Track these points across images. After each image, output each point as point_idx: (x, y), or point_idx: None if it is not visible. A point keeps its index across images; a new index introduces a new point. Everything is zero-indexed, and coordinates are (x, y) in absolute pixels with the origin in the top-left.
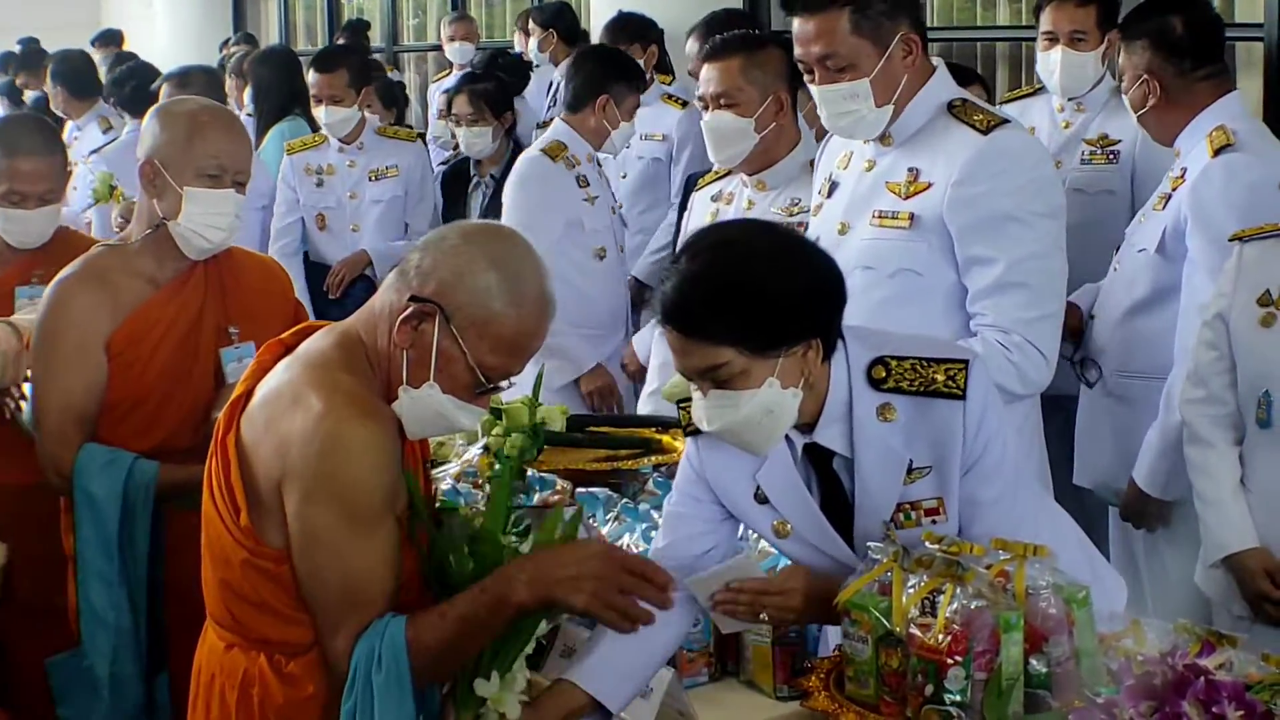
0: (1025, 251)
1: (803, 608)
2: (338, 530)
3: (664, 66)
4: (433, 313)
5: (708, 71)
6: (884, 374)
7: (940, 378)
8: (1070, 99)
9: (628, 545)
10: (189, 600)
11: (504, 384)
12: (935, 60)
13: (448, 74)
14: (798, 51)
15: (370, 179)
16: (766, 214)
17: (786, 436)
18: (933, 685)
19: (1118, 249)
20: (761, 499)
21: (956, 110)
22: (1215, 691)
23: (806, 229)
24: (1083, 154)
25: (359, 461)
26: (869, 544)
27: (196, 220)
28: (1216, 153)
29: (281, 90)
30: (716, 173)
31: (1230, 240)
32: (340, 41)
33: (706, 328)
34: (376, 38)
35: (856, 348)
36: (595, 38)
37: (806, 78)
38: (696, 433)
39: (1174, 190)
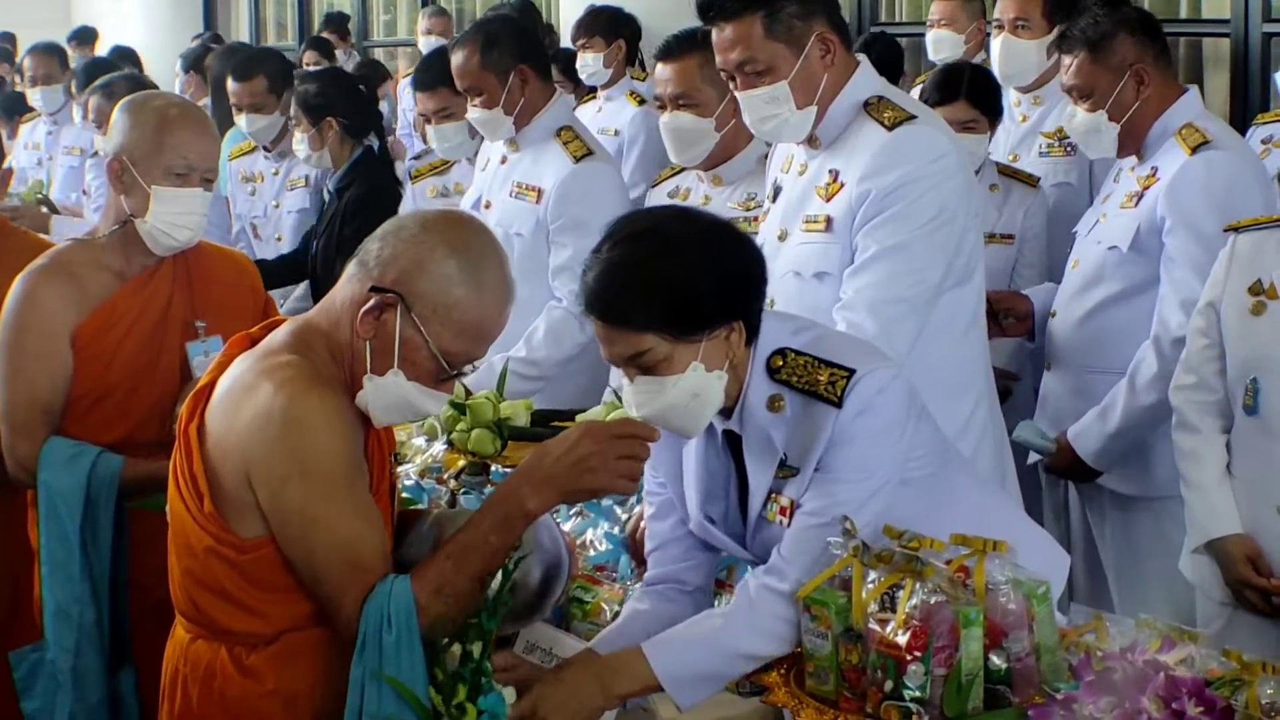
0: (896, 241)
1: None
2: (319, 503)
3: (635, 61)
4: (394, 302)
5: (664, 72)
6: (780, 364)
7: (823, 379)
8: (1023, 90)
9: (590, 541)
10: (153, 595)
11: (467, 369)
12: (859, 56)
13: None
14: (718, 60)
15: (289, 188)
16: (723, 209)
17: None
18: (892, 681)
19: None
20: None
21: (870, 108)
22: (1175, 687)
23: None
24: (1040, 147)
25: (320, 431)
26: (829, 539)
27: (164, 219)
28: (1194, 150)
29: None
30: (672, 168)
31: (1226, 231)
32: (322, 34)
33: (627, 316)
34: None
35: (771, 334)
36: (564, 31)
37: (731, 86)
38: None
39: (1145, 189)
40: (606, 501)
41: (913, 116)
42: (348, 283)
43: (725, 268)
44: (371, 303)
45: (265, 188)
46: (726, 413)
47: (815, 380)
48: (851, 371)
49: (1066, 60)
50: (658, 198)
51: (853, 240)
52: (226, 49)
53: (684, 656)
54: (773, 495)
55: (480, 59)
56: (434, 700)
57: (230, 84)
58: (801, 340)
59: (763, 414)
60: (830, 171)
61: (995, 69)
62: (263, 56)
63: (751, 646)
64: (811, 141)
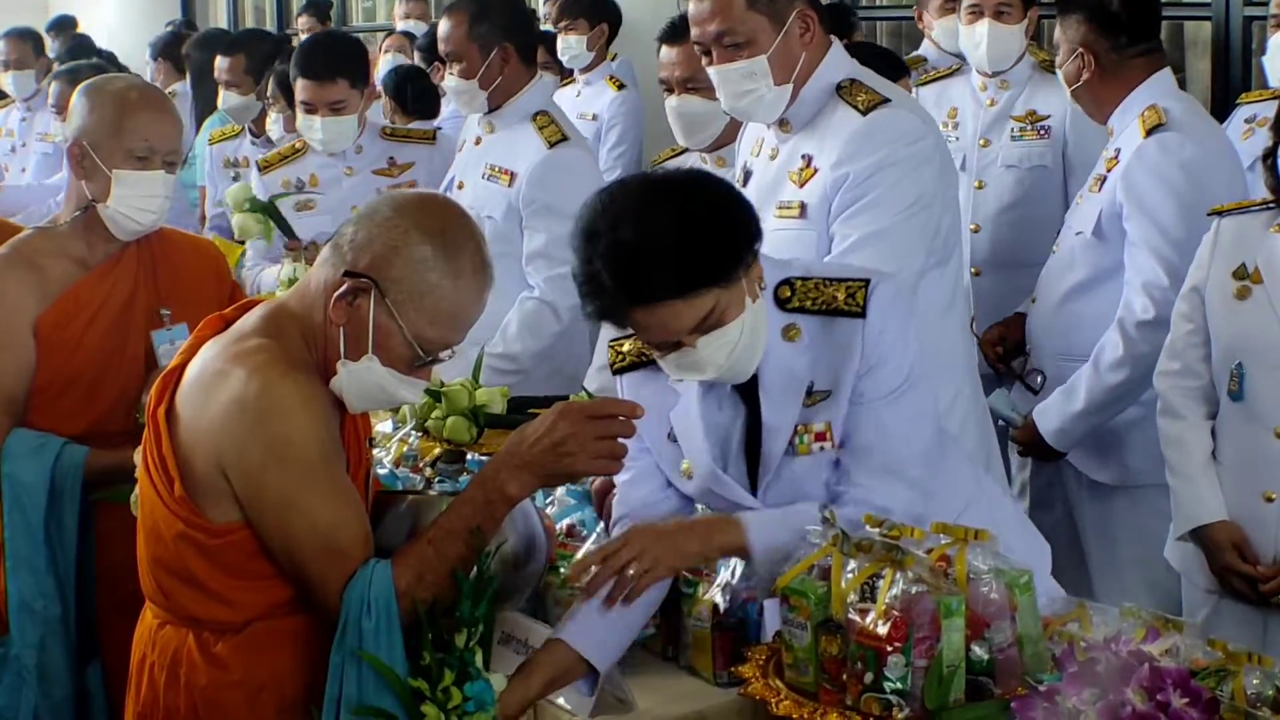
0: (877, 227)
1: (666, 546)
2: (296, 490)
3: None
4: (367, 288)
5: (671, 55)
6: (789, 294)
7: (841, 295)
8: (995, 73)
9: (562, 528)
10: (121, 589)
11: (444, 355)
12: (831, 37)
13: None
14: (694, 33)
15: None
16: None
17: None
18: (872, 673)
19: (1059, 232)
20: (673, 438)
21: (844, 91)
22: (1160, 678)
23: None
24: (1012, 131)
25: (296, 417)
26: (808, 528)
27: (126, 203)
28: (1149, 133)
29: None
30: (673, 149)
31: (1209, 215)
32: (304, 20)
33: (698, 278)
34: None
35: (769, 270)
36: (542, 12)
37: (704, 61)
38: (623, 370)
39: (1108, 172)
40: (584, 485)
41: (886, 100)
42: (322, 266)
43: (728, 197)
44: (344, 288)
45: (249, 174)
46: None
47: (832, 298)
48: (866, 280)
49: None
50: None
51: (829, 227)
52: (203, 36)
53: (778, 534)
54: (800, 428)
55: (468, 28)
56: (419, 685)
57: (218, 59)
58: (800, 270)
59: (780, 346)
60: (803, 156)
61: (976, 54)
62: (250, 37)
63: None
64: (782, 125)
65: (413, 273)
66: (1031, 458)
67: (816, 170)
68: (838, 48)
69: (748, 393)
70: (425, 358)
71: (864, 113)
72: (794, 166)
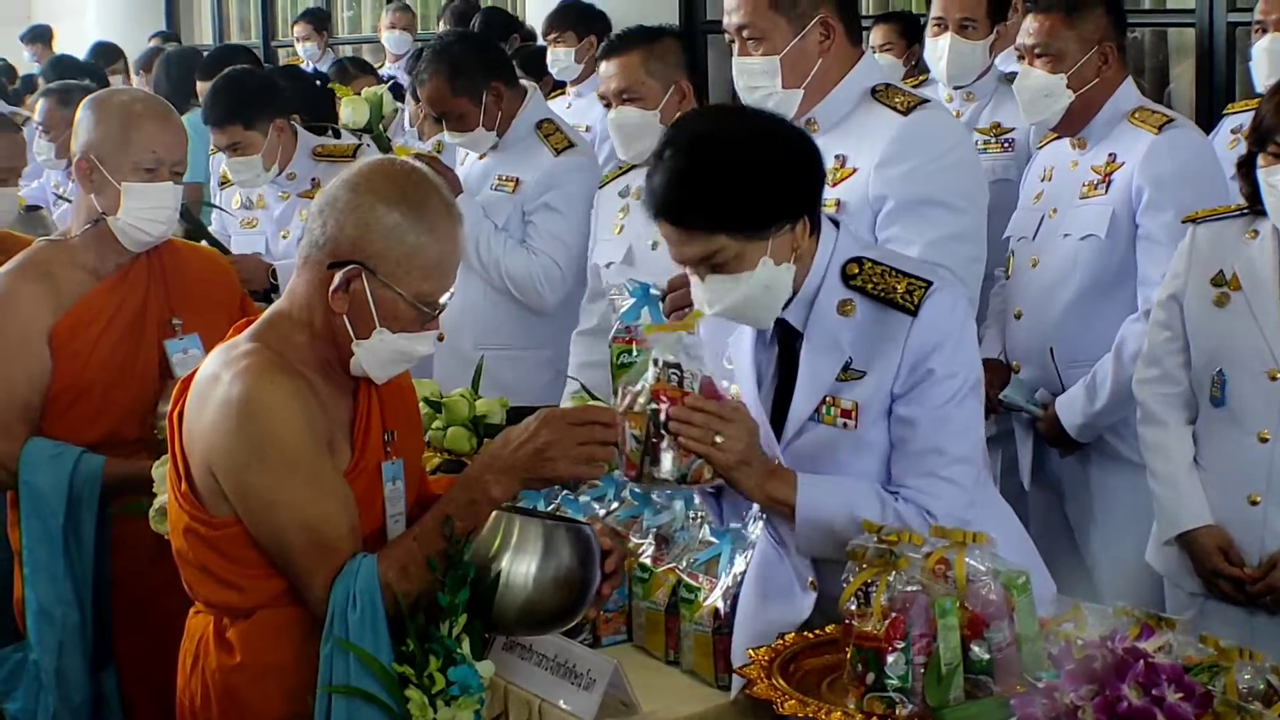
0: (941, 233)
1: (747, 444)
2: (279, 488)
3: None
4: (357, 272)
5: (607, 68)
6: (856, 270)
7: (900, 288)
8: (958, 88)
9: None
10: (134, 595)
11: (444, 299)
12: (865, 49)
13: (381, 66)
14: (725, 22)
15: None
16: None
17: None
18: (874, 673)
19: (1012, 251)
20: (728, 361)
21: (879, 95)
22: (1155, 674)
23: None
24: (976, 143)
25: (275, 416)
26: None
27: (136, 215)
28: (1160, 129)
29: (177, 93)
30: (621, 167)
31: (1184, 222)
32: (300, 28)
33: (700, 219)
34: None
35: (847, 243)
36: (536, 26)
37: (731, 49)
38: None
39: (1109, 174)
40: (584, 498)
41: (925, 100)
42: (304, 266)
43: (787, 162)
44: (336, 280)
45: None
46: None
47: (892, 288)
48: (929, 283)
49: (1032, 21)
50: (609, 197)
51: (877, 227)
52: (167, 55)
53: (827, 503)
54: (829, 399)
55: (450, 87)
56: (404, 671)
57: (198, 83)
58: (875, 253)
59: (832, 316)
60: (836, 156)
61: (937, 68)
62: (225, 57)
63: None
64: (809, 125)
65: (392, 242)
66: (1055, 447)
67: (855, 170)
68: (870, 58)
69: (788, 352)
70: (430, 312)
71: (904, 113)
72: (825, 165)
